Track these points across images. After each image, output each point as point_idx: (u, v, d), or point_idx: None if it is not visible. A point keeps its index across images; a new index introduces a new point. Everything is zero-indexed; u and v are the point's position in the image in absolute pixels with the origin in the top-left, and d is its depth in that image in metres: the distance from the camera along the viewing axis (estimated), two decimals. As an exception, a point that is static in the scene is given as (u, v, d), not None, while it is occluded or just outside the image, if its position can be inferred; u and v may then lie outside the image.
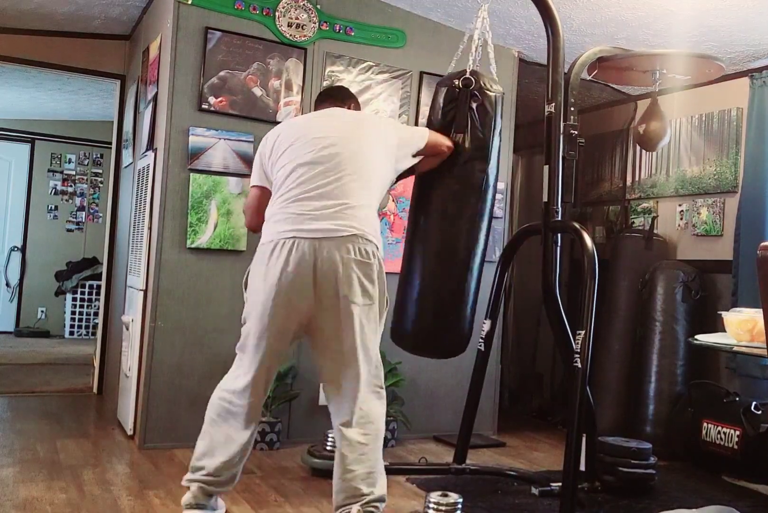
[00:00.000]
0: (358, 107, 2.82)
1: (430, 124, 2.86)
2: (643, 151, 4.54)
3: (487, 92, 2.79)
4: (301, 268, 2.32)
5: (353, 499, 2.30)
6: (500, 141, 2.87)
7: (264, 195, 2.58)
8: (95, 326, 6.56)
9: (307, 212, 2.37)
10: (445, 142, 2.70)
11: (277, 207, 2.46)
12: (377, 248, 2.42)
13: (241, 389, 2.41)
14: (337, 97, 2.77)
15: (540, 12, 2.95)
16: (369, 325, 2.38)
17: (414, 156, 2.63)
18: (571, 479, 2.54)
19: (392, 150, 2.55)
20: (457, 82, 2.79)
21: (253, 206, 2.64)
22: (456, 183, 2.79)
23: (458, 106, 2.78)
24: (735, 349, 2.76)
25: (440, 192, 2.81)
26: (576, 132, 2.96)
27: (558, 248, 2.96)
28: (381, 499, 2.34)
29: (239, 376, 2.43)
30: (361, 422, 2.36)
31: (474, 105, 2.77)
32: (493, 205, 2.87)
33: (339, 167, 2.42)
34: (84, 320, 7.68)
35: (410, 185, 3.97)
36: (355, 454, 2.33)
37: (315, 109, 2.80)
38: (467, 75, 2.79)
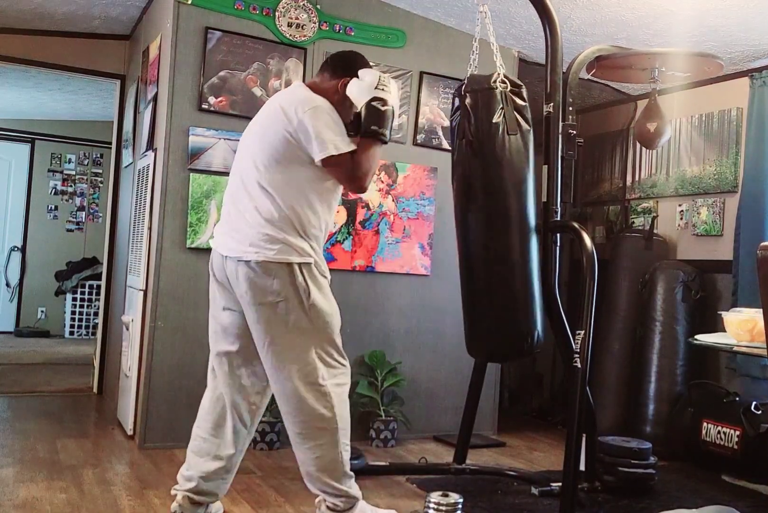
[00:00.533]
0: (343, 88, 2.43)
1: (477, 130, 2.84)
2: (643, 151, 4.54)
3: (521, 90, 2.87)
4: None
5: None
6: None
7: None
8: (95, 326, 6.56)
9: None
10: (353, 179, 2.33)
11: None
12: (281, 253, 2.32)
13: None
14: (321, 68, 2.53)
15: (538, 12, 2.96)
16: (279, 323, 2.34)
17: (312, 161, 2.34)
18: (571, 479, 2.54)
19: (294, 144, 2.32)
20: (497, 85, 2.81)
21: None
22: (513, 181, 2.83)
23: (505, 108, 2.81)
24: (735, 349, 2.75)
25: (484, 197, 2.86)
26: (575, 132, 2.97)
27: (557, 248, 2.97)
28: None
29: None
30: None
31: (516, 105, 2.84)
32: (536, 202, 2.93)
33: (241, 176, 2.42)
34: (84, 320, 7.68)
35: (411, 185, 3.98)
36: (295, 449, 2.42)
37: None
38: (502, 77, 2.82)
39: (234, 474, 2.51)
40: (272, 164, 2.35)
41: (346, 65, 2.46)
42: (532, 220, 2.88)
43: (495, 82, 2.82)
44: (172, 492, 2.46)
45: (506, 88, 2.83)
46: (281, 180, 2.34)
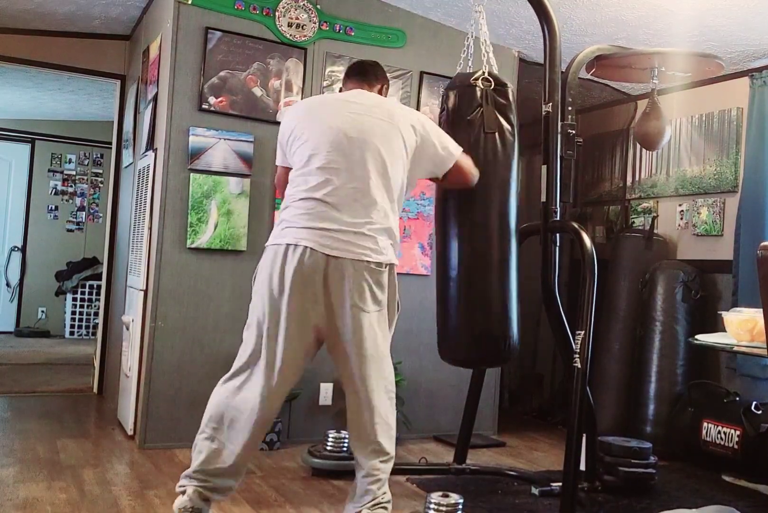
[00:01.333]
0: (386, 91, 2.67)
1: (453, 127, 2.83)
2: (644, 151, 4.54)
3: (507, 89, 2.84)
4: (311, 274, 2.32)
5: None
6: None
7: (286, 173, 2.54)
8: (95, 326, 6.56)
9: (328, 227, 2.33)
10: (473, 170, 2.60)
11: (298, 199, 2.39)
12: (392, 256, 2.40)
13: None
14: (366, 76, 2.61)
15: (536, 11, 2.96)
16: (380, 331, 2.36)
17: (432, 173, 2.57)
18: (571, 479, 2.54)
19: (412, 152, 2.46)
20: (478, 83, 2.80)
21: (277, 184, 2.66)
22: (483, 182, 2.78)
23: (485, 106, 2.79)
24: (735, 349, 2.76)
25: (468, 194, 2.81)
26: (574, 131, 2.96)
27: (557, 248, 2.96)
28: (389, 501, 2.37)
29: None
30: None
31: (503, 102, 2.81)
32: (517, 203, 2.90)
33: (364, 167, 2.37)
34: (84, 320, 7.68)
35: (410, 185, 3.97)
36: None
37: (343, 85, 2.70)
38: (485, 75, 2.80)
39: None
40: (397, 165, 2.44)
41: (381, 73, 2.67)
42: (510, 221, 2.83)
43: (477, 79, 2.81)
44: (178, 489, 2.39)
45: (489, 86, 2.80)
46: (402, 179, 2.48)
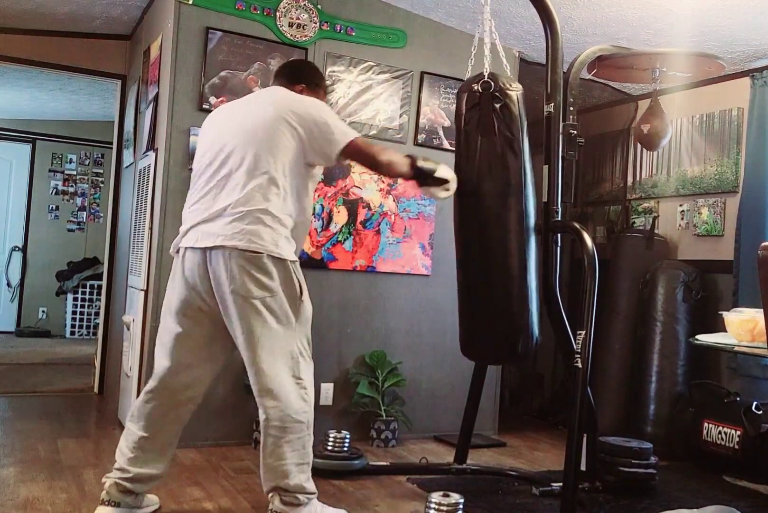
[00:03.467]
0: (313, 91, 2.62)
1: (457, 132, 2.91)
2: (644, 151, 4.54)
3: (509, 92, 2.82)
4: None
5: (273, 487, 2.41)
6: (528, 139, 2.89)
7: None
8: (96, 326, 6.57)
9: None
10: (371, 152, 2.50)
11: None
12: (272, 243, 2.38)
13: None
14: (287, 76, 2.64)
15: (538, 11, 2.96)
16: (270, 317, 2.37)
17: (326, 157, 2.47)
18: (572, 479, 2.54)
19: (298, 141, 2.41)
20: (476, 87, 2.80)
21: None
22: (495, 186, 2.83)
23: (481, 109, 2.80)
24: (736, 349, 2.76)
25: (482, 197, 2.87)
26: (575, 132, 2.96)
27: (558, 248, 2.96)
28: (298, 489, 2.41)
29: None
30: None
31: (497, 106, 2.79)
32: (537, 202, 2.91)
33: (233, 161, 2.44)
34: (85, 320, 7.68)
35: (411, 185, 3.97)
36: (267, 448, 2.40)
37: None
38: (485, 78, 2.80)
39: None
40: (284, 161, 2.41)
41: (302, 73, 2.66)
42: (514, 223, 2.83)
43: (477, 83, 2.83)
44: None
45: (489, 89, 2.80)
46: (288, 171, 2.43)
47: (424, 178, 2.68)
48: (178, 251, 2.50)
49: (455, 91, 4.07)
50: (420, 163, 2.63)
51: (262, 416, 2.41)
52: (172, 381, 2.48)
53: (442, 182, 2.71)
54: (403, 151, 3.95)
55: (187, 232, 2.47)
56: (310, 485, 2.45)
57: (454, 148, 3.91)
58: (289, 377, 2.40)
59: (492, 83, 2.81)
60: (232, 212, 2.36)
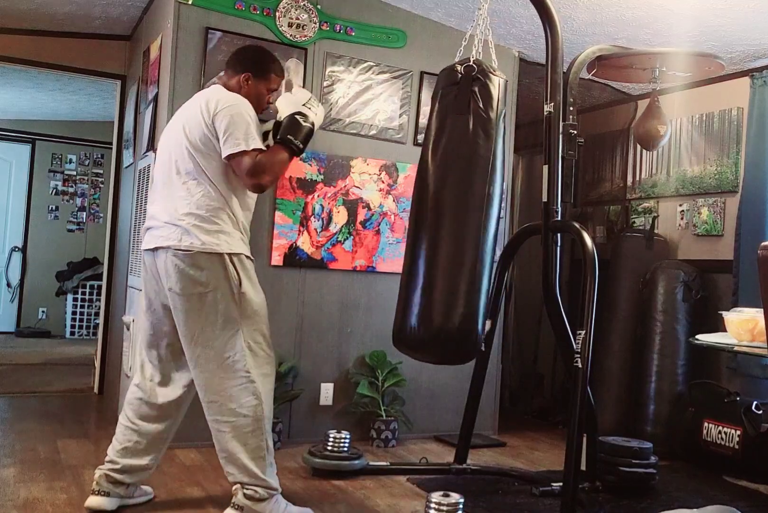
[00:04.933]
0: (262, 78, 2.62)
1: (431, 110, 2.88)
2: (644, 151, 4.54)
3: (490, 75, 2.77)
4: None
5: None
6: (505, 126, 2.85)
7: None
8: (96, 326, 6.57)
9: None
10: (252, 172, 2.39)
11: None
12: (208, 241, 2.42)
13: None
14: (233, 65, 2.65)
15: (538, 11, 2.95)
16: (209, 313, 2.42)
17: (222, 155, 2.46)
18: (572, 479, 2.54)
19: (207, 140, 2.45)
20: (459, 68, 2.78)
21: None
22: (463, 166, 2.72)
23: (460, 88, 2.76)
24: (736, 348, 2.76)
25: (446, 175, 2.75)
26: (575, 132, 2.96)
27: (558, 248, 2.96)
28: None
29: None
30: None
31: (476, 88, 2.75)
32: (502, 191, 2.80)
33: (170, 167, 2.52)
34: (85, 320, 7.68)
35: (411, 185, 3.97)
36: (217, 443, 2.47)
37: None
38: (470, 62, 2.78)
39: None
40: (204, 156, 2.46)
41: (247, 60, 2.65)
42: (475, 208, 2.70)
43: (461, 65, 2.79)
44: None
45: (471, 72, 2.75)
46: (215, 169, 2.46)
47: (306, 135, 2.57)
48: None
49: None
50: (297, 142, 2.50)
51: (205, 412, 2.47)
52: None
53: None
54: (402, 151, 3.98)
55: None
56: (272, 480, 2.49)
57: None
58: (231, 372, 2.43)
59: (476, 67, 2.76)
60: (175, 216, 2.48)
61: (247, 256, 2.51)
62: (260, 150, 2.43)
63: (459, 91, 2.75)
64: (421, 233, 2.77)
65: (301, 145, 2.51)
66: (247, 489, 2.44)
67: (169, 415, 2.59)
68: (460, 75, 2.77)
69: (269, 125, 2.64)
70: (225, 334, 2.43)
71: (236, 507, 2.43)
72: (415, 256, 2.77)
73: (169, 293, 2.45)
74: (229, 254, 2.43)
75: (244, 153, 2.39)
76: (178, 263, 2.40)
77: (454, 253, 2.68)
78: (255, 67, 2.62)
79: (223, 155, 2.42)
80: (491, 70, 2.78)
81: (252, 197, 2.59)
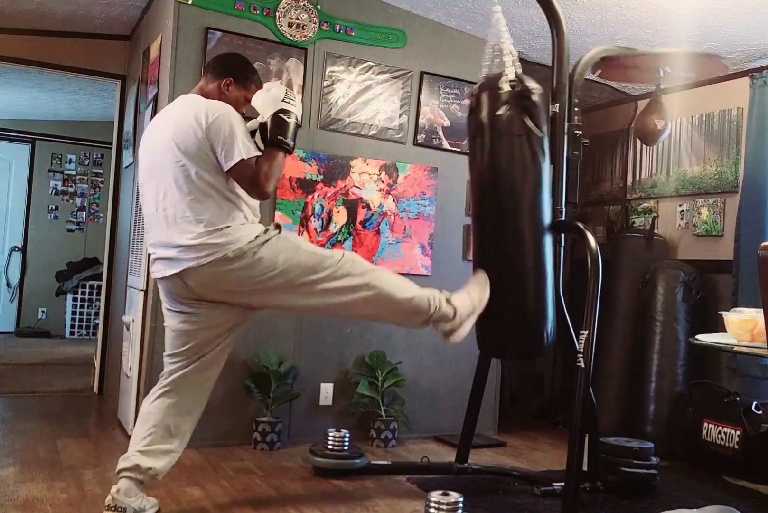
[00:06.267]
0: (242, 85, 2.59)
1: (478, 129, 2.87)
2: (644, 151, 4.54)
3: (535, 92, 2.79)
4: None
5: None
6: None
7: None
8: (96, 326, 6.56)
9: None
10: (254, 179, 2.40)
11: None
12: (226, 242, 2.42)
13: None
14: (215, 69, 2.61)
15: (545, 12, 2.95)
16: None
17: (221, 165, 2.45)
18: (574, 479, 2.54)
19: (205, 149, 2.42)
20: (505, 86, 2.78)
21: None
22: (525, 183, 2.80)
23: (511, 109, 2.76)
24: (736, 349, 2.76)
25: (477, 199, 2.86)
26: (580, 132, 2.96)
27: (562, 248, 2.96)
28: None
29: None
30: None
31: (526, 106, 2.77)
32: (551, 202, 2.90)
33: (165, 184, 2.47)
34: (84, 320, 7.68)
35: (411, 185, 3.98)
36: None
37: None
38: (513, 77, 2.78)
39: None
40: (206, 170, 2.42)
41: (231, 66, 2.61)
42: (540, 223, 2.83)
43: (501, 82, 2.79)
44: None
45: (516, 88, 2.77)
46: (217, 181, 2.44)
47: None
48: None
49: (455, 91, 4.08)
50: (289, 141, 2.48)
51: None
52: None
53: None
54: (402, 151, 3.98)
55: None
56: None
57: (457, 148, 3.90)
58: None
59: (518, 82, 2.78)
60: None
61: (265, 231, 2.49)
62: (257, 157, 2.41)
63: (512, 112, 2.76)
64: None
65: (292, 143, 2.49)
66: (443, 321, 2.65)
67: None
68: (506, 94, 2.77)
69: (254, 125, 2.62)
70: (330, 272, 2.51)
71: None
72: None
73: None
74: (249, 243, 2.43)
75: (243, 163, 2.38)
76: (221, 269, 2.40)
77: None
78: (238, 74, 2.59)
79: (225, 168, 2.40)
80: (531, 86, 2.80)
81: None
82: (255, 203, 2.58)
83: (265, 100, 2.49)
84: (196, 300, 2.50)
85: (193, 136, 2.40)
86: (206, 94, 2.56)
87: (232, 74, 2.58)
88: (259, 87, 2.64)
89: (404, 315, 2.68)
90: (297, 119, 2.51)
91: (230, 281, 2.44)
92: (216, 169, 2.42)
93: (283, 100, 2.47)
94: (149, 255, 2.61)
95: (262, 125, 2.54)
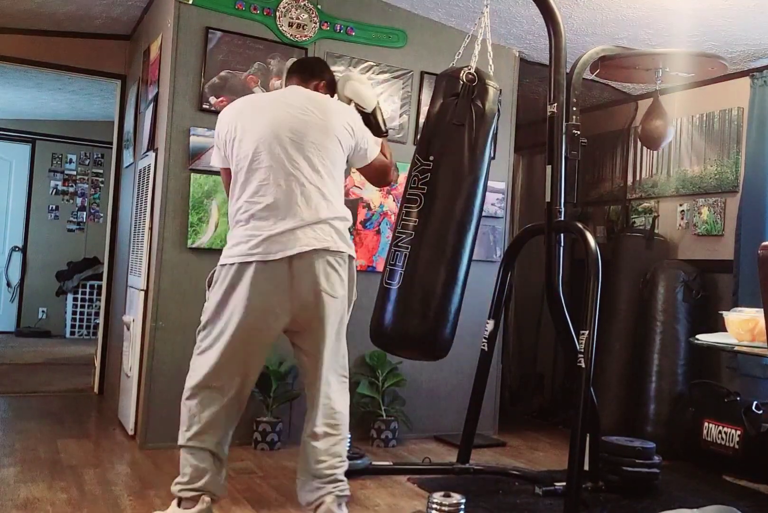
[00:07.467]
0: (328, 88, 2.65)
1: (428, 116, 2.94)
2: (644, 151, 4.54)
3: (489, 87, 2.83)
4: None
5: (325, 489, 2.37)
6: (494, 136, 2.93)
7: (228, 174, 2.53)
8: (96, 326, 6.57)
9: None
10: (386, 167, 2.67)
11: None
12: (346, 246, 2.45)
13: None
14: (303, 73, 2.65)
15: (542, 12, 2.95)
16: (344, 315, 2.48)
17: (352, 165, 2.62)
18: (576, 479, 2.54)
19: (347, 150, 2.50)
20: (462, 76, 2.81)
21: (224, 188, 2.62)
22: (450, 178, 2.80)
23: (460, 99, 2.80)
24: (736, 348, 2.76)
25: (436, 185, 2.81)
26: (578, 132, 2.96)
27: (561, 248, 2.96)
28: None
29: None
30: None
31: (475, 99, 2.80)
32: (482, 205, 2.87)
33: (297, 165, 2.40)
34: (85, 320, 7.68)
35: (411, 185, 3.97)
36: (326, 446, 2.39)
37: (285, 83, 2.73)
38: (471, 70, 2.81)
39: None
40: (335, 156, 2.46)
41: (318, 69, 2.69)
42: (460, 214, 2.78)
43: (462, 73, 2.82)
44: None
45: (472, 81, 2.80)
46: (339, 170, 2.50)
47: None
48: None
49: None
50: (383, 128, 2.71)
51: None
52: None
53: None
54: (403, 151, 3.98)
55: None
56: None
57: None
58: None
59: (475, 76, 2.82)
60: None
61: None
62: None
63: (459, 101, 2.81)
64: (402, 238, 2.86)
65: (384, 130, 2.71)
66: (343, 492, 2.41)
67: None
68: (461, 84, 2.81)
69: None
70: (342, 338, 2.51)
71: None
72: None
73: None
74: (350, 256, 2.47)
75: (378, 156, 2.60)
76: (333, 263, 2.39)
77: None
78: (329, 78, 2.69)
79: (368, 162, 2.58)
80: (488, 82, 2.84)
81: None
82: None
83: (367, 93, 2.68)
84: None
85: (348, 130, 2.47)
86: None
87: (325, 78, 2.67)
88: (336, 90, 2.71)
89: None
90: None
91: None
92: (343, 162, 2.51)
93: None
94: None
95: (367, 117, 2.66)
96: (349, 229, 2.54)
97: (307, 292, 2.35)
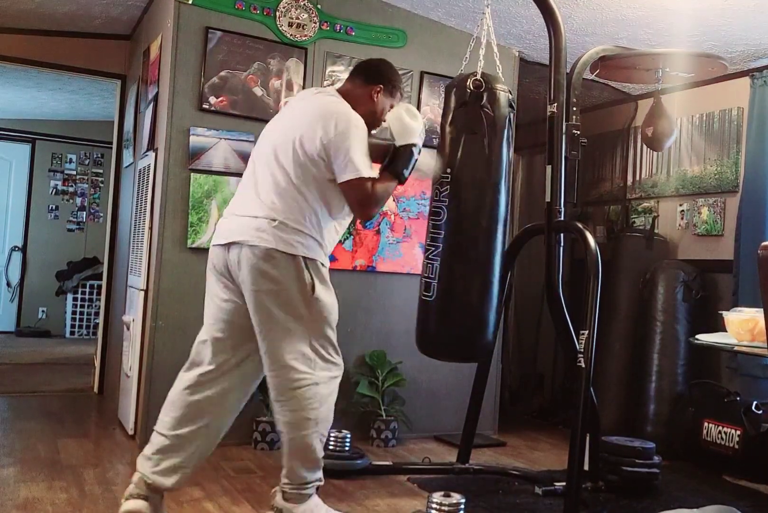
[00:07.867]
0: (389, 93, 2.60)
1: (442, 128, 2.92)
2: (644, 151, 4.54)
3: (497, 92, 2.82)
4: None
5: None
6: (511, 139, 2.90)
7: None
8: (96, 326, 6.56)
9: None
10: (362, 202, 2.41)
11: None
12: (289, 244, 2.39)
13: None
14: (365, 75, 2.61)
15: (542, 12, 2.95)
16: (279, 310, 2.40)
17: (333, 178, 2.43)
18: (576, 479, 2.54)
19: (322, 154, 2.39)
20: (468, 84, 2.81)
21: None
22: (470, 188, 2.81)
23: (469, 107, 2.80)
24: (736, 348, 2.76)
25: (456, 197, 2.83)
26: (578, 132, 2.96)
27: (561, 248, 2.96)
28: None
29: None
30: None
31: (485, 105, 2.79)
32: (507, 210, 2.89)
33: (272, 169, 2.44)
34: (85, 320, 7.68)
35: (410, 185, 3.98)
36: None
37: (346, 82, 2.70)
38: (477, 77, 2.80)
39: None
40: (303, 164, 2.40)
41: (383, 73, 2.63)
42: (485, 222, 2.81)
43: (468, 81, 2.82)
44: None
45: (480, 87, 2.80)
46: (309, 178, 2.40)
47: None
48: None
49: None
50: (407, 174, 2.53)
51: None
52: None
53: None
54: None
55: None
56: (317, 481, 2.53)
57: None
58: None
59: (483, 82, 2.81)
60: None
61: (322, 264, 2.45)
62: (374, 179, 2.41)
63: (468, 110, 2.80)
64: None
65: (406, 178, 2.53)
66: (289, 491, 2.47)
67: None
68: (468, 92, 2.80)
69: (378, 141, 2.62)
70: (294, 335, 2.40)
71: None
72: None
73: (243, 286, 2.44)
74: (304, 258, 2.38)
75: (361, 180, 2.36)
76: (252, 258, 2.37)
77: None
78: (389, 82, 2.61)
79: (340, 180, 2.38)
80: (497, 86, 2.83)
81: (347, 218, 2.57)
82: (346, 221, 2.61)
83: (405, 128, 2.52)
84: None
85: (317, 137, 2.37)
86: (354, 98, 2.53)
87: (384, 82, 2.59)
88: (402, 95, 2.70)
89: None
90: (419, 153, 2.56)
91: None
92: (324, 173, 2.40)
93: (419, 134, 2.54)
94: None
95: (390, 149, 2.55)
96: (349, 229, 2.52)
97: None
